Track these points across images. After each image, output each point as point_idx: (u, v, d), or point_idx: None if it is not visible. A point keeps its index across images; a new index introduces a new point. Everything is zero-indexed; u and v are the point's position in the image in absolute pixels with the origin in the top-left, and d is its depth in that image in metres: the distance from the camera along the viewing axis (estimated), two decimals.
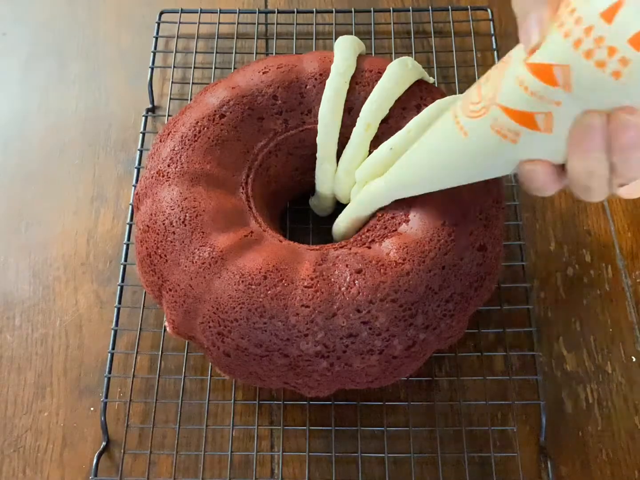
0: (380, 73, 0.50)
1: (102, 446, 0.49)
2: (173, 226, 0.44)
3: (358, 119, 0.48)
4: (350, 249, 0.45)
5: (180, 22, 0.65)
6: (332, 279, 0.42)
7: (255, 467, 0.48)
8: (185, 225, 0.44)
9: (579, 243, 0.55)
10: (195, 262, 0.43)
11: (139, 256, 0.46)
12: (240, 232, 0.45)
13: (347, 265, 0.43)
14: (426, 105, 0.48)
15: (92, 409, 0.50)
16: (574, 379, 0.50)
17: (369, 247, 0.45)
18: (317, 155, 0.50)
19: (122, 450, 0.48)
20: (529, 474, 0.47)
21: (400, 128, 0.48)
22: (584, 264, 0.54)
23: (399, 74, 0.49)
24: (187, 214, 0.44)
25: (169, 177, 0.46)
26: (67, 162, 0.61)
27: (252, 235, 0.45)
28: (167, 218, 0.45)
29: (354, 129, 0.49)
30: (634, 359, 0.51)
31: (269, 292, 0.42)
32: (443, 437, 0.48)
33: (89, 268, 0.56)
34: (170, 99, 0.61)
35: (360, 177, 0.48)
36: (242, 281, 0.42)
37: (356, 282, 0.42)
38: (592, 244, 0.55)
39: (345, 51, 0.50)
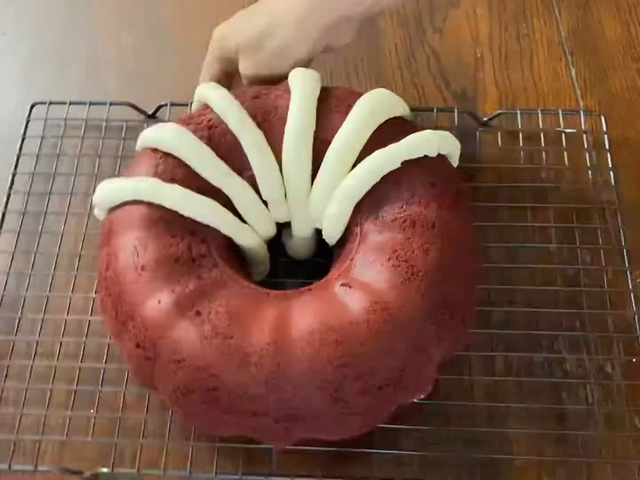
0: (350, 106, 0.48)
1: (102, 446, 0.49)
2: (130, 272, 0.44)
3: (325, 167, 0.47)
4: (315, 298, 0.44)
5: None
6: (291, 339, 0.41)
7: None
8: (143, 271, 0.44)
9: (580, 242, 0.55)
10: (153, 309, 0.42)
11: (100, 296, 0.46)
12: (199, 280, 0.44)
13: (308, 325, 0.42)
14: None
15: (92, 410, 0.50)
16: (574, 379, 0.50)
17: (333, 292, 0.44)
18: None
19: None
20: (529, 475, 0.47)
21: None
22: (585, 264, 0.54)
23: (370, 110, 0.48)
24: (144, 260, 0.44)
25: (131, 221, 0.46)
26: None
27: (212, 282, 0.44)
28: (124, 263, 0.44)
29: (321, 183, 0.48)
30: (634, 359, 0.50)
31: (223, 346, 0.41)
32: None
33: (89, 268, 0.55)
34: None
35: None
36: (199, 332, 0.41)
37: (315, 342, 0.41)
38: (593, 244, 0.54)
39: (303, 104, 0.48)
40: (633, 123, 0.60)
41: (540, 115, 0.59)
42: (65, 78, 0.65)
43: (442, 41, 0.66)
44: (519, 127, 0.59)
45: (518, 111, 0.60)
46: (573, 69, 0.64)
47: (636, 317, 0.51)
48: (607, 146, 0.58)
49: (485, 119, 0.60)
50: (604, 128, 0.59)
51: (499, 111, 0.60)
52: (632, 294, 0.52)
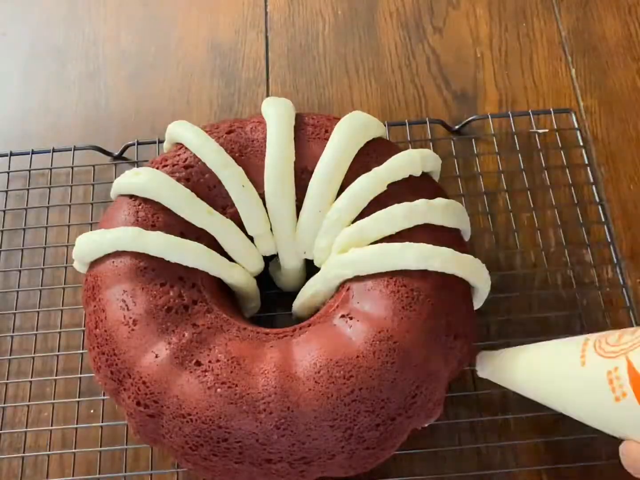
0: (328, 132, 0.48)
1: (102, 445, 0.48)
2: (121, 327, 0.42)
3: (309, 198, 0.46)
4: (316, 333, 0.43)
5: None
6: (297, 379, 0.40)
7: None
8: (135, 325, 0.42)
9: (579, 243, 0.55)
10: (151, 364, 0.41)
11: (91, 354, 0.44)
12: (194, 327, 0.42)
13: (314, 363, 0.41)
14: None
15: (92, 410, 0.50)
16: None
17: (334, 325, 0.43)
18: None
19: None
20: (529, 476, 0.47)
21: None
22: (584, 264, 0.54)
23: (349, 134, 0.47)
24: (135, 314, 0.42)
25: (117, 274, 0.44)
26: (66, 162, 0.59)
27: (207, 328, 0.43)
28: (114, 319, 0.42)
29: (307, 214, 0.47)
30: None
31: (228, 395, 0.40)
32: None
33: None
34: None
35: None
36: (202, 384, 0.40)
37: (323, 379, 0.40)
38: (592, 244, 0.54)
39: (280, 135, 0.47)
40: (633, 123, 0.60)
41: (512, 118, 0.59)
42: (66, 78, 0.65)
43: (442, 41, 0.65)
44: (492, 132, 0.59)
45: (489, 116, 0.59)
46: (573, 69, 0.63)
47: (634, 315, 0.51)
48: (580, 142, 0.58)
49: (456, 127, 0.59)
50: (575, 125, 0.59)
51: (468, 118, 0.60)
52: (629, 293, 0.52)
